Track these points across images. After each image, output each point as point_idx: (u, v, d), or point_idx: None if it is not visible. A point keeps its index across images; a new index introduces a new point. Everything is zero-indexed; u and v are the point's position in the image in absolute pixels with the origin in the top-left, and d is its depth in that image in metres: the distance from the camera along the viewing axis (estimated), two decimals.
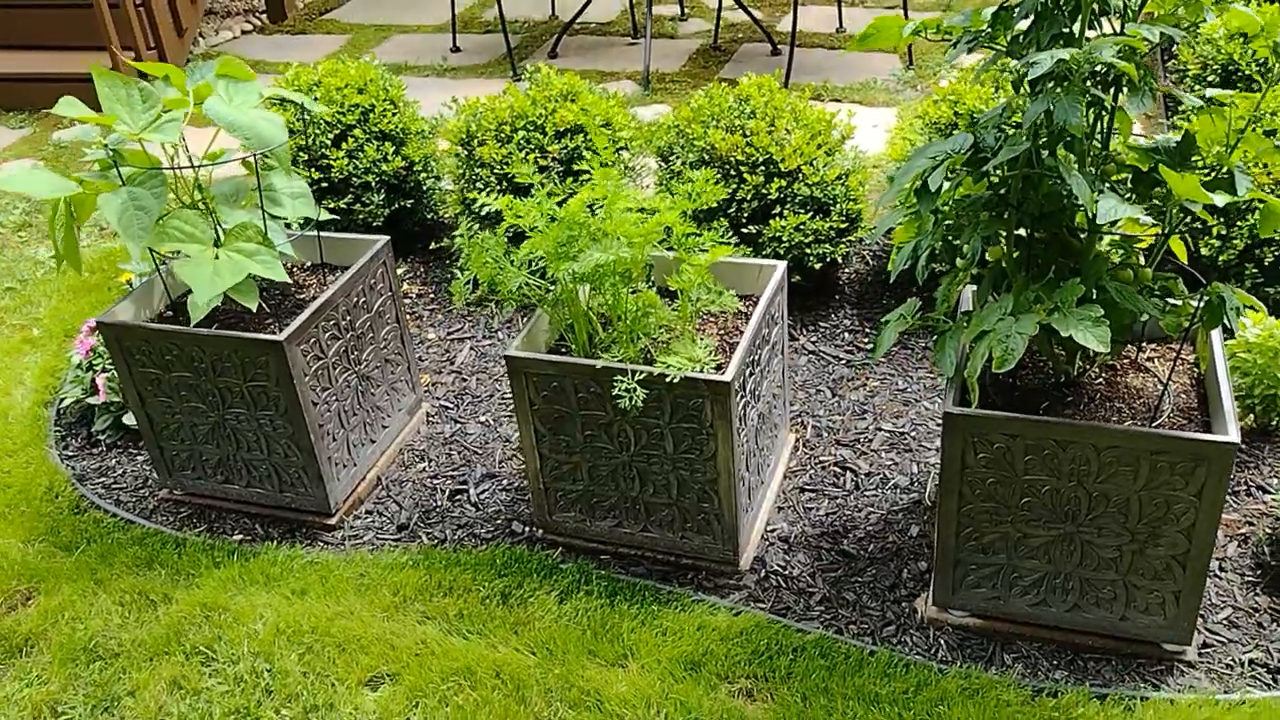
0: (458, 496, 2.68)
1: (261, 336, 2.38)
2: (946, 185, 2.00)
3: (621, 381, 2.14)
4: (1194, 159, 1.84)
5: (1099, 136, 1.89)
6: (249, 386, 2.46)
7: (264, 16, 6.45)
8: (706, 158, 3.09)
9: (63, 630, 2.37)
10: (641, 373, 2.14)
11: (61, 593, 2.46)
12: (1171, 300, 1.96)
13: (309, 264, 2.78)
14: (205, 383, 2.49)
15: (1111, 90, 1.82)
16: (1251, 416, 2.57)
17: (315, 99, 3.49)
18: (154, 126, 2.37)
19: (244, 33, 6.30)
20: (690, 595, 2.33)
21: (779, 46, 5.19)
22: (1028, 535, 2.08)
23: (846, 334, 3.11)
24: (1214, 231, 2.79)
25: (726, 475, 2.26)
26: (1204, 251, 2.79)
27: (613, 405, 2.23)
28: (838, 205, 3.05)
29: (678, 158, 3.15)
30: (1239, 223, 2.76)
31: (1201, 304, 1.88)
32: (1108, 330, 1.75)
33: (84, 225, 4.13)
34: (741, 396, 2.26)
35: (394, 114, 3.53)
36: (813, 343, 3.08)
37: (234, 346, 2.41)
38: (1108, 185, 1.81)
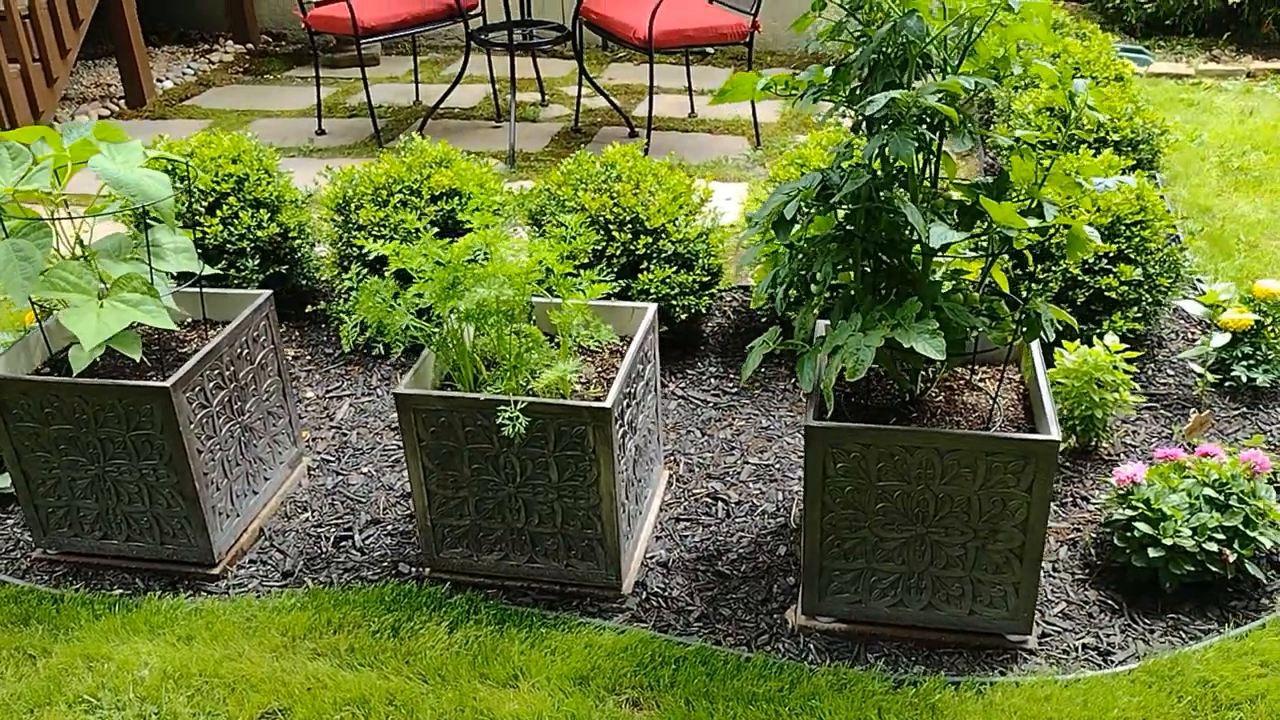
0: (342, 543, 2.73)
1: (147, 384, 2.41)
2: (798, 226, 2.23)
3: (505, 410, 2.27)
4: (1009, 193, 2.11)
5: (928, 176, 2.15)
6: (132, 436, 2.48)
7: (122, 102, 6.43)
8: None
9: None
10: (523, 402, 2.28)
11: None
12: (997, 318, 2.22)
13: (190, 320, 2.82)
14: (86, 434, 2.50)
15: (937, 134, 2.09)
16: (1074, 438, 2.86)
17: (188, 169, 3.55)
18: (25, 179, 2.42)
19: (101, 118, 6.27)
20: (576, 619, 2.43)
21: (636, 129, 5.49)
22: (884, 539, 2.27)
23: (713, 380, 3.31)
24: (1035, 275, 3.12)
25: (609, 500, 2.39)
26: (1024, 294, 3.11)
27: (499, 437, 2.35)
28: (700, 260, 3.27)
29: (549, 220, 3.33)
30: (1054, 267, 3.10)
31: (1022, 318, 2.14)
32: (943, 341, 1.99)
33: None
34: (620, 426, 2.41)
35: (268, 183, 3.61)
36: (682, 388, 3.27)
37: (118, 395, 2.44)
38: (936, 216, 2.06)
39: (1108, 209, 3.09)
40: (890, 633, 2.36)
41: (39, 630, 2.45)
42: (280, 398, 2.87)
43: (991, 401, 2.34)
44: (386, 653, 2.34)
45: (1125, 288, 3.07)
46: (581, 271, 2.48)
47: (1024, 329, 2.13)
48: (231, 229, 3.50)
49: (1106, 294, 3.07)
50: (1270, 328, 3.11)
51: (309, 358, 3.51)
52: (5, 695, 2.28)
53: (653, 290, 3.19)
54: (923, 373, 2.36)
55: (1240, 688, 2.16)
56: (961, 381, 2.45)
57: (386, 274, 2.43)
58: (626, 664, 2.29)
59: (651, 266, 3.21)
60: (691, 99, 5.92)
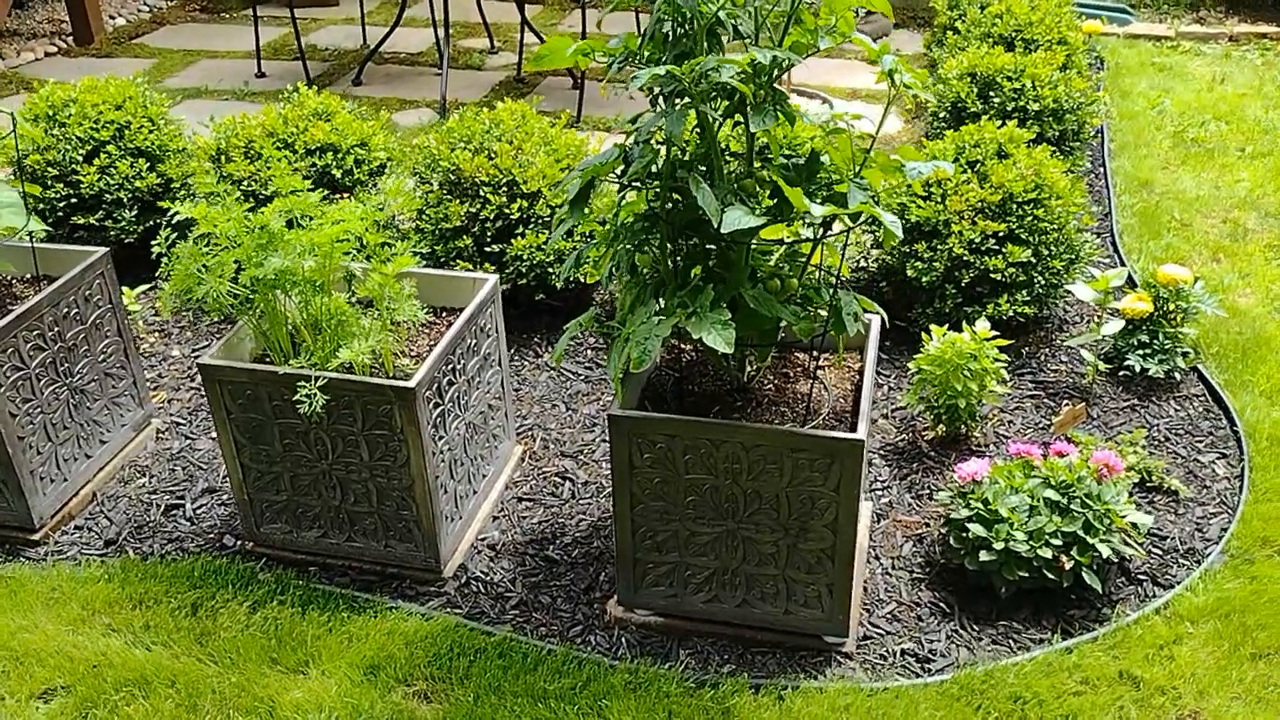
0: (173, 512, 2.65)
1: None
2: (615, 199, 2.10)
3: (304, 387, 2.16)
4: (820, 175, 1.97)
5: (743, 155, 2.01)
6: None
7: (71, 39, 6.30)
8: (453, 178, 3.15)
9: None
10: (322, 379, 2.17)
11: None
12: (812, 307, 2.09)
13: (28, 276, 2.73)
14: None
15: (744, 111, 1.94)
16: (941, 426, 2.73)
17: (69, 116, 3.44)
18: None
19: (48, 54, 6.15)
20: (387, 603, 2.35)
21: (580, 81, 5.31)
22: (696, 533, 2.16)
23: (590, 351, 3.19)
24: (921, 256, 2.97)
25: (421, 482, 2.29)
26: (910, 273, 2.97)
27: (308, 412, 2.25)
28: (581, 226, 3.14)
29: (425, 179, 3.21)
30: (939, 246, 2.94)
31: (830, 309, 2.01)
32: (733, 333, 1.86)
33: None
34: (438, 405, 2.30)
35: (151, 131, 3.50)
36: None
37: None
38: (742, 199, 1.92)
39: (1000, 185, 2.93)
40: (706, 629, 2.26)
41: None
42: (122, 358, 2.78)
43: (811, 393, 2.21)
44: (181, 631, 2.27)
45: (1014, 269, 2.91)
46: (399, 243, 2.35)
47: (832, 320, 2.00)
48: (109, 178, 3.39)
49: (993, 275, 2.91)
50: (1170, 316, 2.95)
51: (183, 315, 3.42)
52: None
53: (525, 257, 3.06)
54: (749, 358, 2.24)
55: (1052, 706, 2.05)
56: (799, 369, 2.32)
57: (190, 237, 2.31)
58: (423, 654, 2.20)
59: (525, 232, 3.08)
60: None
